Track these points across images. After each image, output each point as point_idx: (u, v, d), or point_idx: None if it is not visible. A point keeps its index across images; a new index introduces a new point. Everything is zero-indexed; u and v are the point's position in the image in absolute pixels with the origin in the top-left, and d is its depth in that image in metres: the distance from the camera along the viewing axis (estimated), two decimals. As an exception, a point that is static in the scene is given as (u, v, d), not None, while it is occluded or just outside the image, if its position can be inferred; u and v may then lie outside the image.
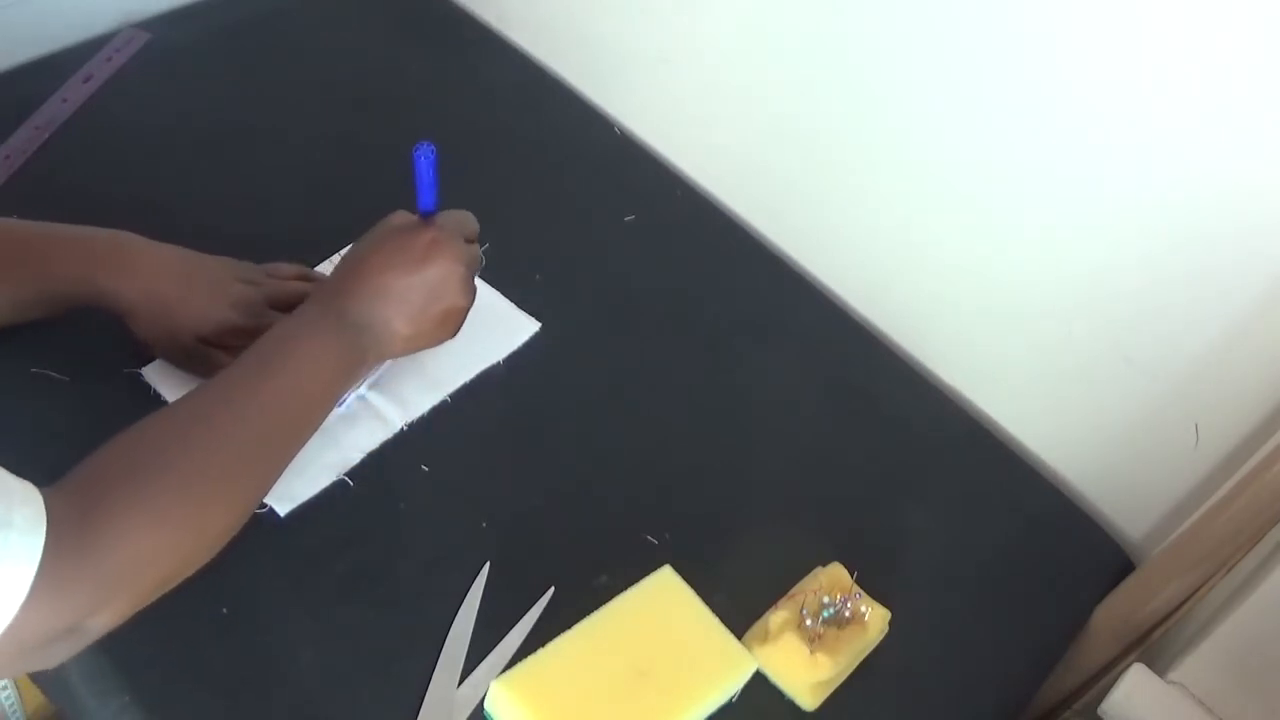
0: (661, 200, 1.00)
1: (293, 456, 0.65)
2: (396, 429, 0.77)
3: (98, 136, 0.91)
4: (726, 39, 0.93)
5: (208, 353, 0.73)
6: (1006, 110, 0.78)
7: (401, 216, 0.73)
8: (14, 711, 0.90)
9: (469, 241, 0.74)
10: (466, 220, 0.75)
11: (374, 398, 0.78)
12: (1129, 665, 0.73)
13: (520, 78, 1.08)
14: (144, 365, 0.76)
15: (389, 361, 0.79)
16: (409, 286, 0.69)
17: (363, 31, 1.08)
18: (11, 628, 0.48)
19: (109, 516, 0.53)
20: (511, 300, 0.87)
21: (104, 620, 0.54)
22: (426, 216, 0.72)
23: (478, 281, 0.87)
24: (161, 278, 0.71)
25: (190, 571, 0.59)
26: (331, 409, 0.68)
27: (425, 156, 0.69)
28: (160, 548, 0.56)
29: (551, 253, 0.92)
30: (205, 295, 0.72)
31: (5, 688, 0.89)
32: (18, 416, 0.73)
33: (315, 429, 0.66)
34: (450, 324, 0.72)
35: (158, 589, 0.57)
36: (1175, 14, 0.66)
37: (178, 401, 0.62)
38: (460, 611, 0.69)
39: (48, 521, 0.50)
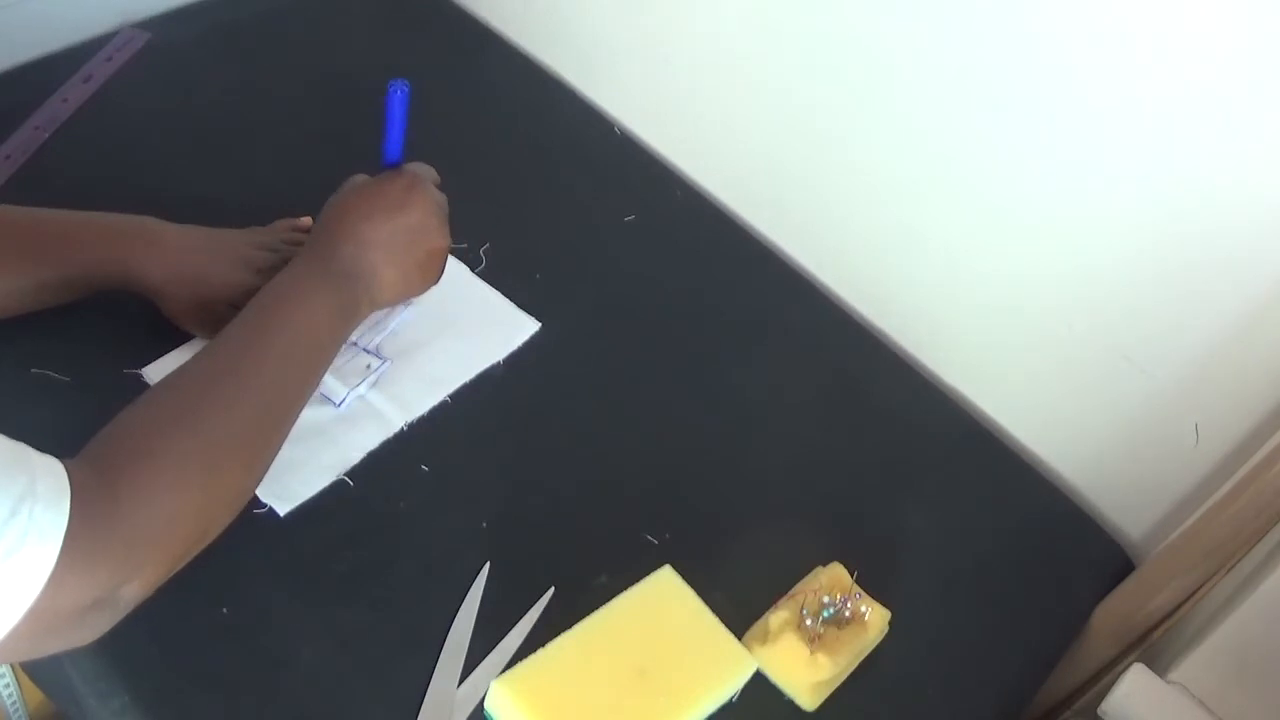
0: (661, 200, 1.00)
1: (300, 410, 0.67)
2: (396, 429, 0.77)
3: (98, 136, 0.91)
4: (727, 39, 0.93)
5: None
6: (1007, 110, 0.78)
7: (365, 176, 0.74)
8: (15, 710, 0.90)
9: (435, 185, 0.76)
10: (428, 168, 0.77)
11: (374, 397, 0.78)
12: (1129, 665, 0.73)
13: (520, 78, 1.08)
14: (144, 365, 0.76)
15: (388, 360, 0.79)
16: (392, 232, 0.71)
17: (362, 31, 1.08)
18: (43, 598, 0.49)
19: (132, 484, 0.54)
20: (511, 300, 0.87)
21: (135, 589, 0.55)
22: (394, 166, 0.74)
23: (478, 281, 0.87)
24: (187, 251, 0.74)
25: (215, 533, 0.61)
26: (332, 360, 0.69)
27: (399, 94, 0.71)
28: (184, 511, 0.57)
29: (551, 253, 0.92)
30: (229, 263, 0.75)
31: (8, 686, 0.89)
32: (18, 416, 0.72)
33: (319, 380, 0.68)
34: (433, 267, 0.74)
35: (185, 554, 0.58)
36: (1175, 13, 0.66)
37: (183, 367, 0.63)
38: (460, 611, 0.69)
39: (71, 492, 0.51)
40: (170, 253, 0.73)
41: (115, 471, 0.54)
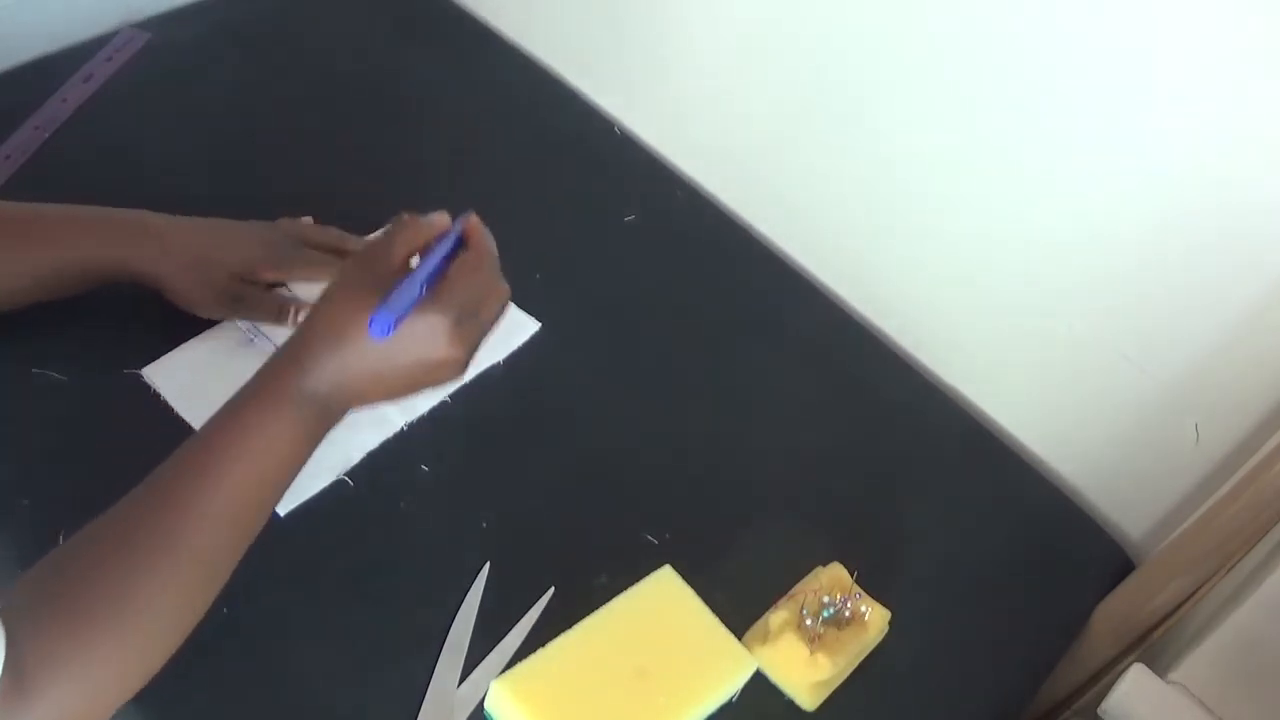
0: (661, 200, 1.00)
1: (246, 548, 0.59)
2: (396, 429, 0.77)
3: (98, 136, 0.91)
4: (727, 39, 0.93)
5: (245, 292, 0.75)
6: (1007, 110, 0.78)
7: (404, 242, 0.61)
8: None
9: (478, 310, 0.61)
10: (479, 281, 0.62)
11: (374, 398, 0.78)
12: (1129, 665, 0.73)
13: (520, 78, 1.08)
14: (144, 365, 0.76)
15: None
16: (395, 372, 0.60)
17: (363, 31, 1.08)
18: None
19: (50, 670, 0.50)
20: (512, 300, 0.86)
21: None
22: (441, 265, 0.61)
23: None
24: (187, 233, 0.74)
25: (141, 686, 0.56)
26: (289, 487, 0.61)
27: (451, 245, 0.61)
28: (107, 690, 0.53)
29: (551, 253, 0.92)
30: (231, 238, 0.75)
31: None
32: (18, 416, 0.73)
33: (267, 516, 0.60)
34: (436, 389, 0.63)
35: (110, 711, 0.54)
36: (1175, 13, 0.66)
37: (116, 507, 0.56)
38: (460, 611, 0.69)
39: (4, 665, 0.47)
40: (168, 237, 0.73)
41: (32, 656, 0.49)
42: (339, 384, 0.59)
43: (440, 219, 0.63)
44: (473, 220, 0.64)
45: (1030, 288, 0.83)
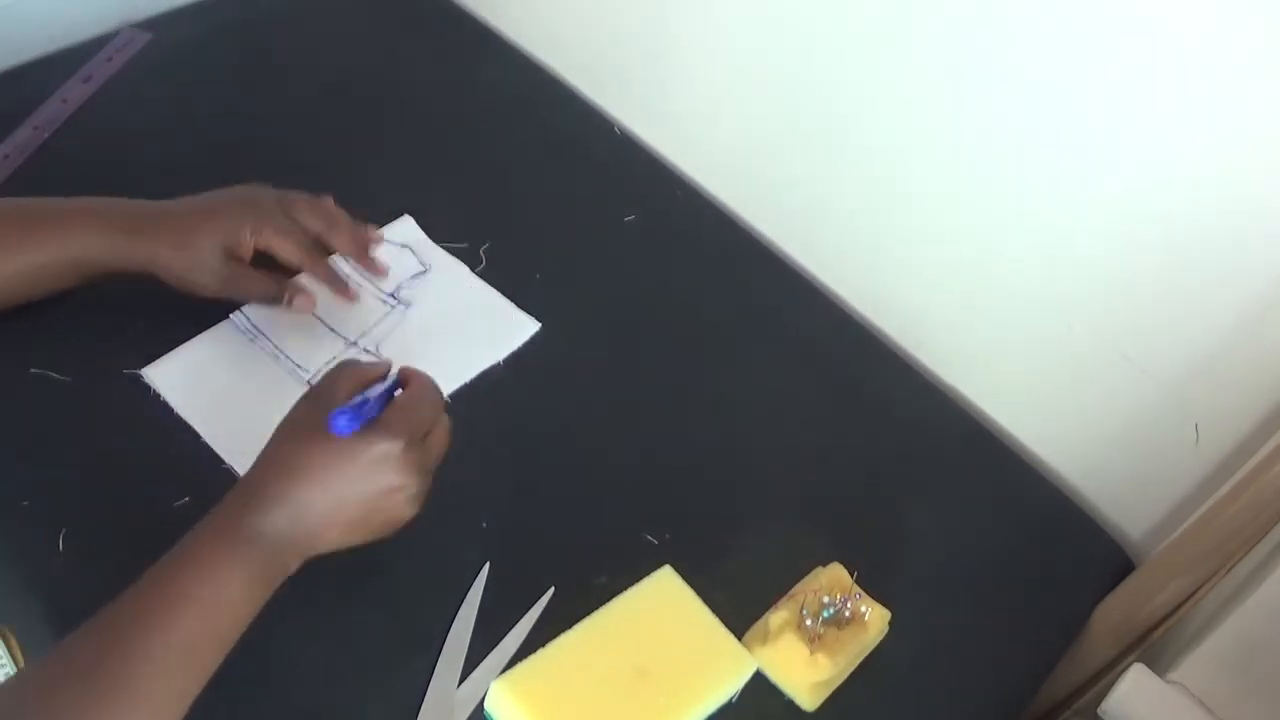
0: (661, 200, 1.00)
1: (200, 687, 0.57)
2: (396, 429, 0.77)
3: (98, 136, 0.91)
4: (727, 39, 0.93)
5: (238, 273, 0.74)
6: (1006, 109, 0.78)
7: (346, 382, 0.63)
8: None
9: (426, 435, 0.63)
10: (426, 408, 0.64)
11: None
12: (1129, 665, 0.73)
13: (520, 77, 1.08)
14: (144, 365, 0.76)
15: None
16: (347, 502, 0.60)
17: (362, 31, 1.08)
18: None
19: None
20: (511, 300, 0.87)
21: None
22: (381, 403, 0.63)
23: (478, 281, 0.87)
24: (173, 214, 0.73)
25: None
26: (245, 627, 0.59)
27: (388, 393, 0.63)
28: None
29: (551, 253, 0.92)
30: (215, 211, 0.73)
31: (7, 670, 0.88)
32: (18, 416, 0.73)
33: (225, 653, 0.58)
34: (392, 528, 0.64)
35: None
36: (1175, 13, 0.66)
37: (69, 643, 0.55)
38: (460, 611, 0.69)
39: None
40: (155, 223, 0.72)
41: None
42: (293, 519, 0.59)
43: (381, 365, 0.66)
44: (409, 368, 0.66)
45: (1030, 288, 0.83)
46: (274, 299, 0.76)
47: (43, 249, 0.70)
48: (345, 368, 0.65)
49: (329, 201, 0.79)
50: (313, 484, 0.59)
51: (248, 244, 0.73)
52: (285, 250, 0.74)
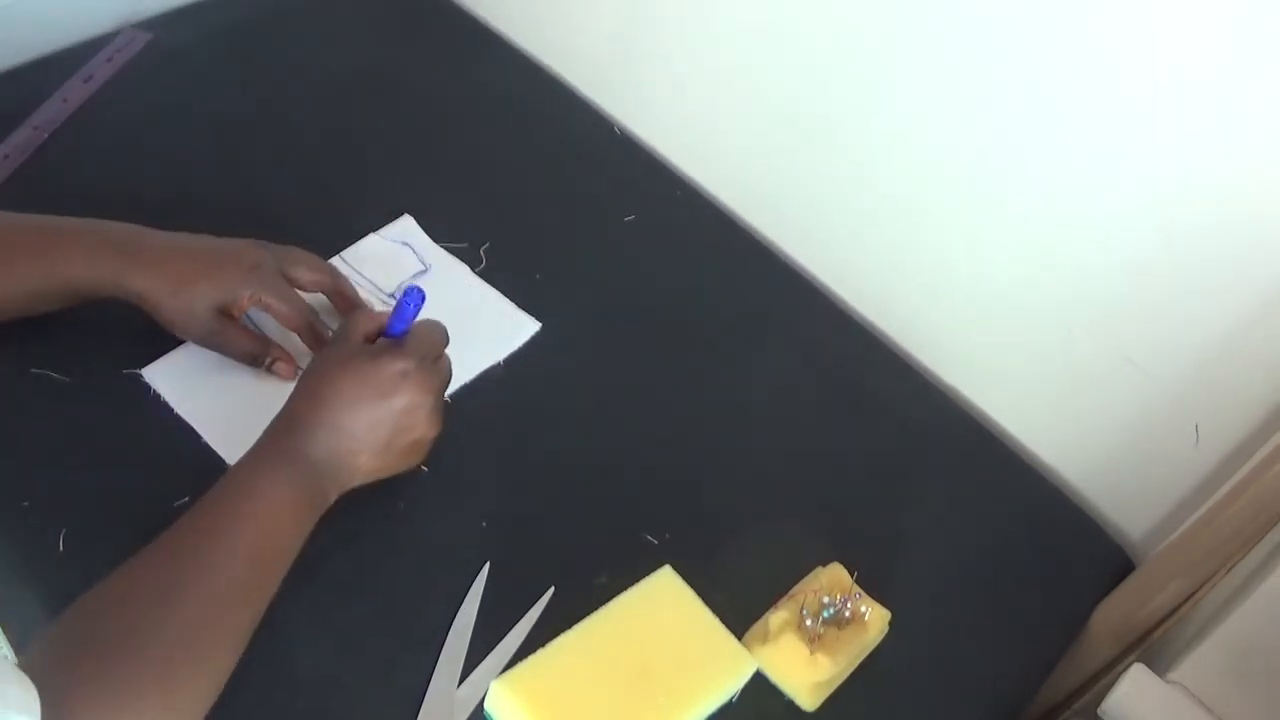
0: (661, 200, 1.00)
1: (263, 610, 0.61)
2: (396, 429, 0.77)
3: (98, 136, 0.91)
4: (727, 39, 0.93)
5: (226, 330, 0.74)
6: (1007, 110, 0.78)
7: (363, 324, 0.69)
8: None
9: (437, 359, 0.70)
10: (435, 337, 0.70)
11: (374, 398, 0.78)
12: (1129, 665, 0.73)
13: (520, 77, 1.08)
14: (144, 365, 0.76)
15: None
16: (376, 421, 0.66)
17: (363, 31, 1.08)
18: None
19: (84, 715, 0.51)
20: (511, 300, 0.87)
21: None
22: (392, 338, 0.68)
23: (478, 281, 0.87)
24: (179, 259, 0.72)
25: None
26: (297, 553, 0.64)
27: (414, 301, 0.67)
28: None
29: (551, 253, 0.92)
30: (217, 265, 0.73)
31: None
32: (18, 416, 0.73)
33: (281, 577, 0.63)
34: (418, 452, 0.70)
35: None
36: (1175, 13, 0.66)
37: (134, 564, 0.58)
38: (460, 611, 0.69)
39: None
40: (156, 259, 0.71)
41: (67, 702, 0.50)
42: (329, 444, 0.65)
43: (386, 312, 0.71)
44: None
45: (1031, 290, 0.83)
46: (255, 360, 0.76)
47: (34, 274, 0.70)
48: (358, 314, 0.70)
49: (325, 264, 0.80)
50: (342, 406, 0.65)
51: (243, 306, 0.73)
52: (282, 316, 0.75)
